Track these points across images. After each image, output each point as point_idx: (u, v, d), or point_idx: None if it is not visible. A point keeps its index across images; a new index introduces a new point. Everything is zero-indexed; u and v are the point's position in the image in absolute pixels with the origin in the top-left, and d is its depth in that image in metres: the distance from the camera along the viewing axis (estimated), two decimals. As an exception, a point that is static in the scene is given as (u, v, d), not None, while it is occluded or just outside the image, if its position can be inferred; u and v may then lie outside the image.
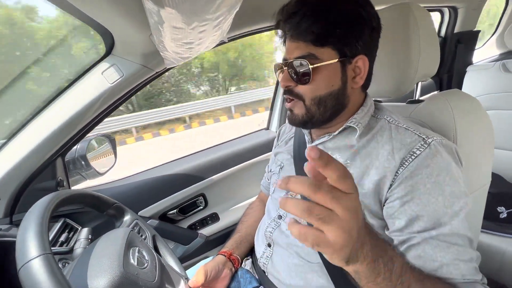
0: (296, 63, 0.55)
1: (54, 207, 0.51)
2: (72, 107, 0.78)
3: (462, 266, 0.47)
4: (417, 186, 0.50)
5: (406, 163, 0.51)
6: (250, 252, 0.85)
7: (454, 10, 1.40)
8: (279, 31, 0.59)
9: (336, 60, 0.55)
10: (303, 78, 0.56)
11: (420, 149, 0.52)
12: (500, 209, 1.06)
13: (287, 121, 0.88)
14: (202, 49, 0.62)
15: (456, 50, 1.50)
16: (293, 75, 0.57)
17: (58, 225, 0.85)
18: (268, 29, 1.00)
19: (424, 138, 0.53)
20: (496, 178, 1.27)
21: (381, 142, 0.56)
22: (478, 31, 1.52)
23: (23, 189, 0.83)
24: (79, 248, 0.68)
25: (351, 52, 0.55)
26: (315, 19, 0.53)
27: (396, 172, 0.52)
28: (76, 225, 0.89)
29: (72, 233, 0.87)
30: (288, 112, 0.63)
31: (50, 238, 0.76)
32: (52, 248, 0.71)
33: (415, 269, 0.46)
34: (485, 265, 0.80)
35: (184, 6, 0.38)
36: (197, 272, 0.71)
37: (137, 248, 0.61)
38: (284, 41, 0.60)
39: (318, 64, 0.54)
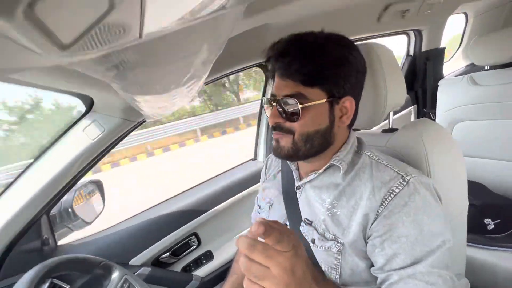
0: (285, 101, 0.56)
1: (37, 283, 0.50)
2: (55, 166, 0.78)
3: None
4: (395, 225, 0.51)
5: (385, 202, 0.53)
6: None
7: (418, 32, 1.50)
8: (269, 66, 0.61)
9: (324, 100, 0.56)
10: (291, 116, 0.57)
11: (399, 187, 0.53)
12: (487, 221, 1.08)
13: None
14: (179, 106, 0.64)
15: (426, 67, 1.59)
16: (282, 112, 0.57)
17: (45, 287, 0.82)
18: (245, 68, 1.05)
19: (403, 176, 0.55)
20: (479, 188, 1.31)
21: (363, 180, 0.58)
22: (444, 48, 1.62)
23: (7, 252, 0.81)
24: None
25: (339, 93, 0.57)
26: (305, 61, 0.54)
27: (377, 211, 0.53)
28: (64, 285, 0.86)
29: (60, 294, 0.84)
30: (274, 143, 0.62)
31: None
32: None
33: None
34: (479, 281, 0.81)
35: (149, 87, 0.40)
36: None
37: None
38: (273, 76, 0.61)
39: (307, 104, 0.55)
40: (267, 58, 0.60)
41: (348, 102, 0.58)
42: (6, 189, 0.80)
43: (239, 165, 1.37)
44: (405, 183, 0.53)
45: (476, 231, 0.81)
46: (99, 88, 0.63)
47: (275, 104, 0.58)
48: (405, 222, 0.51)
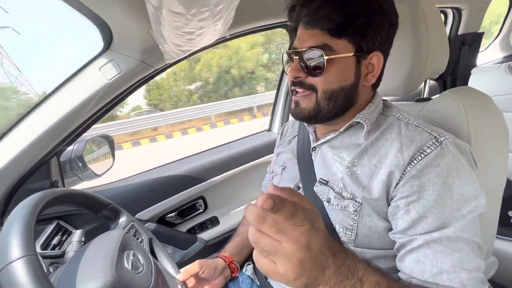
0: (309, 53, 0.52)
1: (43, 206, 0.48)
2: (68, 104, 0.75)
3: (463, 275, 0.43)
4: (424, 187, 0.47)
5: (414, 161, 0.48)
6: (252, 256, 0.81)
7: (458, 12, 1.39)
8: (292, 16, 0.56)
9: (352, 54, 0.52)
10: (315, 70, 0.52)
11: (431, 147, 0.49)
12: (511, 213, 1.02)
13: (290, 119, 0.83)
14: (203, 43, 0.59)
15: (460, 52, 1.49)
16: (304, 66, 0.53)
17: (50, 228, 0.81)
18: (270, 27, 0.98)
19: (436, 136, 0.50)
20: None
21: (390, 139, 0.53)
22: (482, 33, 1.51)
23: (15, 189, 0.80)
24: (71, 252, 0.64)
25: (367, 47, 0.52)
26: (336, 6, 0.49)
27: (404, 170, 0.49)
28: (70, 228, 0.85)
29: (65, 236, 0.83)
30: (293, 105, 0.58)
31: (42, 241, 0.73)
32: (43, 251, 0.68)
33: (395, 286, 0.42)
34: (498, 271, 0.76)
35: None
36: (192, 263, 0.69)
37: (132, 251, 0.57)
38: (294, 29, 0.57)
39: (333, 56, 0.51)
40: (291, 7, 0.55)
41: (375, 58, 0.54)
42: (15, 125, 0.78)
43: (253, 134, 1.33)
44: (438, 144, 0.49)
45: (499, 222, 0.76)
46: (120, 15, 0.59)
47: (296, 57, 0.53)
48: (436, 184, 0.46)
